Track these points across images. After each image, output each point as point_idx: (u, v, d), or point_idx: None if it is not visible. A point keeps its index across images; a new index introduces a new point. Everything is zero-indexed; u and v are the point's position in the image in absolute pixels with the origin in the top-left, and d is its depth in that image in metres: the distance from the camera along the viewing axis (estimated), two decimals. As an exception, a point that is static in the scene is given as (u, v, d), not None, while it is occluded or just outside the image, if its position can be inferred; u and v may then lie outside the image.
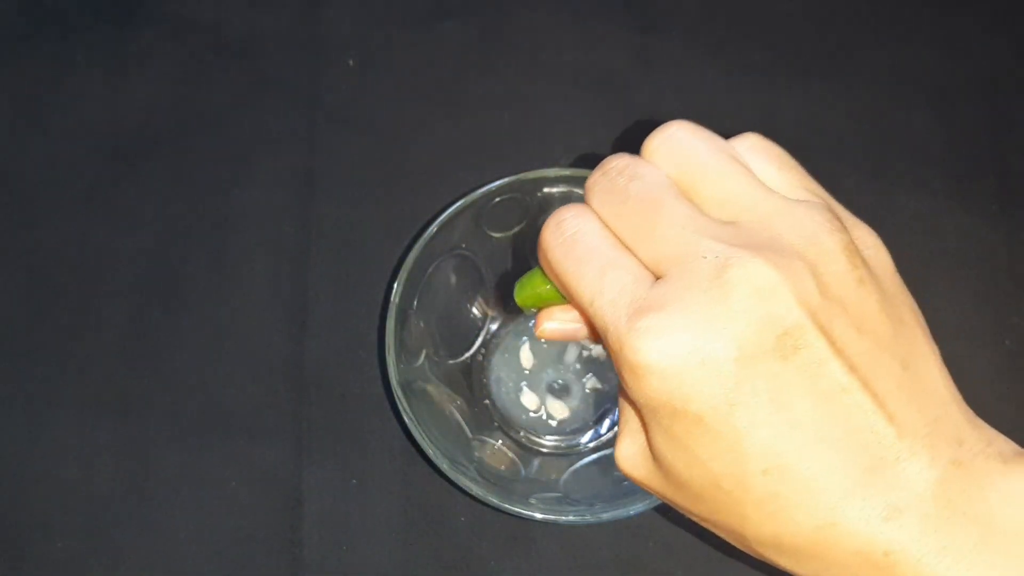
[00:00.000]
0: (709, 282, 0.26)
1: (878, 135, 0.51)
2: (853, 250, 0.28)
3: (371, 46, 0.53)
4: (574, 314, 0.31)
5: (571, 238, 0.30)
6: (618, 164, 0.30)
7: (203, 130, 0.51)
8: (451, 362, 0.44)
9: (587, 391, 0.45)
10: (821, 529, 0.26)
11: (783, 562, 0.28)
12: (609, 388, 0.45)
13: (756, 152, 0.30)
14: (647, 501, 0.38)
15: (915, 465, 0.26)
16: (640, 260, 0.28)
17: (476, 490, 0.39)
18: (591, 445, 0.43)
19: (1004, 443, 0.28)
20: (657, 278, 0.28)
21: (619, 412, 0.31)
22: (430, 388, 0.43)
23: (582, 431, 0.44)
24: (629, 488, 0.40)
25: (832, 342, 0.26)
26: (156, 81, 0.53)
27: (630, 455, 0.30)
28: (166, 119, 0.51)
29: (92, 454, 0.44)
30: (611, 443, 0.43)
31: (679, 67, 0.52)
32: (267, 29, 0.54)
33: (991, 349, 0.45)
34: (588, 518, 0.39)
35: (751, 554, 0.29)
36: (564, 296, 0.31)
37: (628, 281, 0.28)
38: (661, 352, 0.26)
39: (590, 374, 0.45)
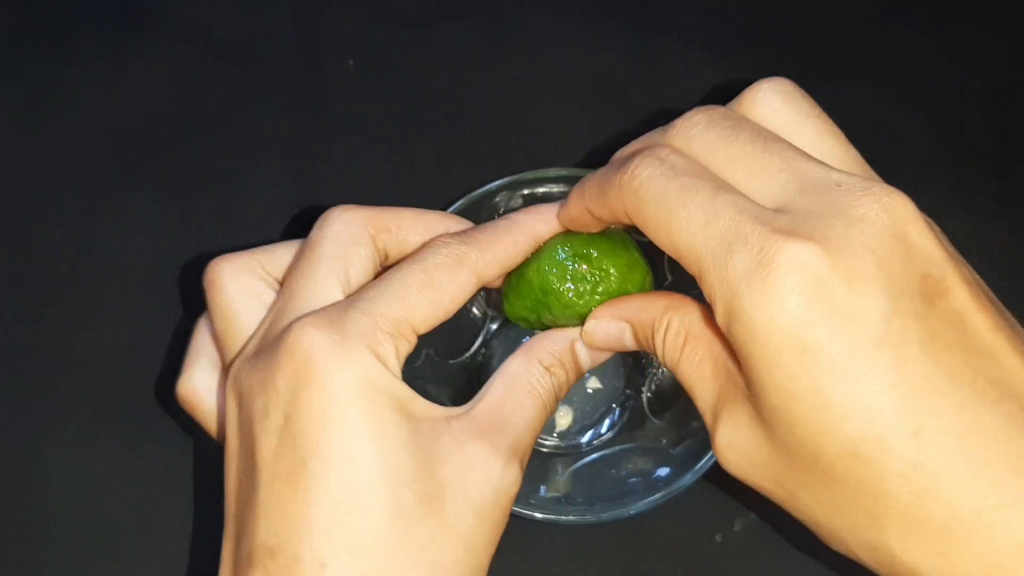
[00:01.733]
0: (848, 207, 0.23)
1: (878, 135, 0.51)
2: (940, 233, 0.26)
3: (371, 46, 0.53)
4: (623, 311, 0.30)
5: (673, 167, 0.26)
6: (722, 110, 0.28)
7: (203, 130, 0.51)
8: (451, 362, 0.44)
9: (588, 391, 0.45)
10: (982, 511, 0.22)
11: (920, 556, 0.23)
12: (609, 388, 0.45)
13: (794, 112, 0.28)
14: (647, 501, 0.38)
15: None
16: (764, 189, 0.25)
17: (476, 490, 0.39)
18: (591, 445, 0.43)
19: None
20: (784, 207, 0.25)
21: (702, 405, 0.27)
22: (430, 388, 0.42)
23: (582, 431, 0.44)
24: (629, 488, 0.40)
25: (973, 296, 0.23)
26: (156, 81, 0.53)
27: (735, 443, 0.25)
28: (166, 119, 0.52)
29: (92, 454, 0.43)
30: (611, 443, 0.43)
31: (679, 67, 0.52)
32: (267, 29, 0.54)
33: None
34: (588, 518, 0.38)
35: (881, 551, 0.24)
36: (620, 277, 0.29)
37: (746, 204, 0.24)
38: (799, 271, 0.23)
39: (591, 375, 0.45)
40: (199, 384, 0.32)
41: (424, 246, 0.31)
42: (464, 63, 0.53)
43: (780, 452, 0.24)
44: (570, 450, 0.43)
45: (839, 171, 0.25)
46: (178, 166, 0.50)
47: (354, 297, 0.28)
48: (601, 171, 0.28)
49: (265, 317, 0.30)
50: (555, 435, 0.44)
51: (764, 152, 0.25)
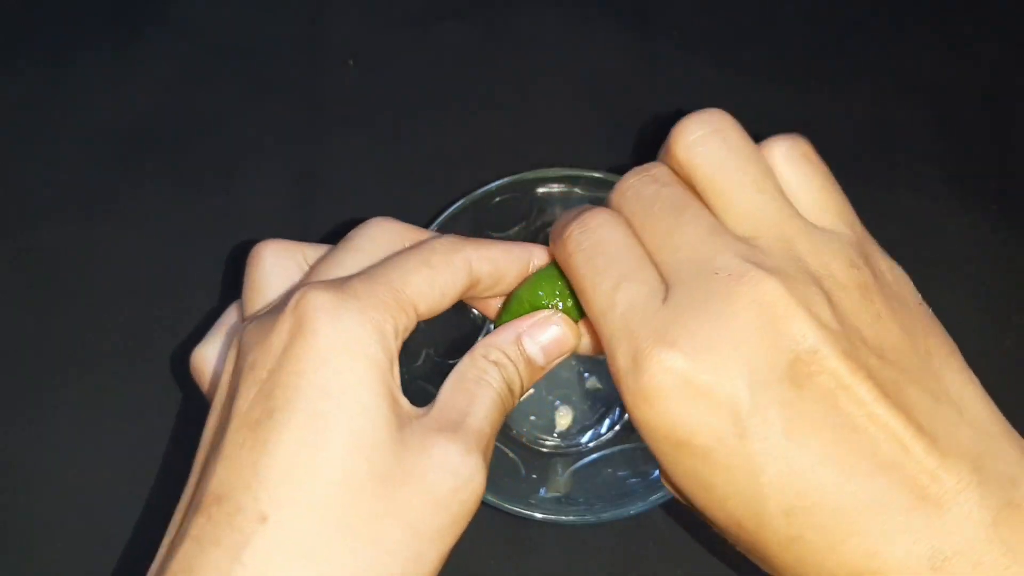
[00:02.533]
0: (720, 300, 0.25)
1: (878, 135, 0.51)
2: (869, 287, 0.26)
3: (371, 46, 0.53)
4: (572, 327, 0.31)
5: (594, 245, 0.28)
6: (652, 170, 0.29)
7: (203, 130, 0.51)
8: (451, 362, 0.44)
9: (587, 391, 0.45)
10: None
11: None
12: (609, 388, 0.45)
13: (796, 164, 0.28)
14: (647, 501, 0.38)
15: (963, 506, 0.23)
16: (659, 269, 0.27)
17: (476, 490, 0.39)
18: (591, 445, 0.43)
19: None
20: (671, 287, 0.26)
21: None
22: (430, 388, 0.42)
23: (582, 431, 0.44)
24: (629, 488, 0.40)
25: (855, 369, 0.24)
26: (156, 81, 0.53)
27: (668, 482, 0.28)
28: (166, 119, 0.52)
29: (92, 454, 0.43)
30: (611, 443, 0.43)
31: (679, 67, 0.52)
32: (267, 30, 0.54)
33: (991, 349, 0.45)
34: (588, 518, 0.38)
35: None
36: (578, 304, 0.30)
37: (641, 296, 0.26)
38: (664, 376, 0.24)
39: (590, 375, 0.45)
40: (210, 354, 0.32)
41: (423, 240, 0.32)
42: (464, 63, 0.53)
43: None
44: (570, 450, 0.43)
45: (725, 254, 0.26)
46: (178, 166, 0.50)
47: (360, 272, 0.29)
48: (559, 223, 0.30)
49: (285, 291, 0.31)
50: (555, 435, 0.44)
51: (668, 230, 0.27)
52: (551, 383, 0.45)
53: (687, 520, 0.41)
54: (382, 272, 0.29)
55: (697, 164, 0.28)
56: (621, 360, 0.26)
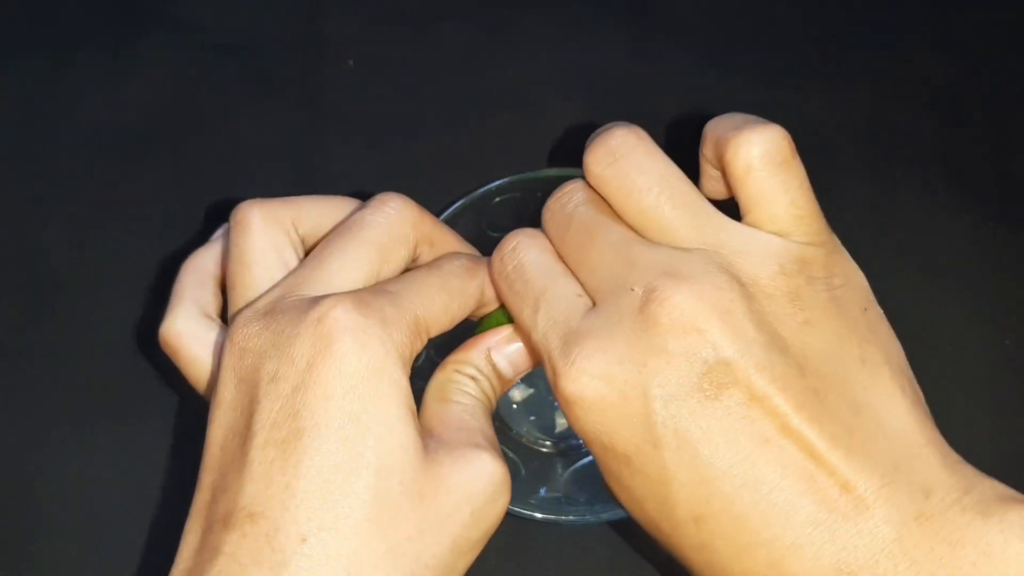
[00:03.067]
0: (633, 315, 0.25)
1: (878, 135, 0.51)
2: (800, 294, 0.26)
3: (371, 46, 0.53)
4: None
5: (512, 271, 0.30)
6: (569, 189, 0.30)
7: (203, 130, 0.51)
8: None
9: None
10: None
11: None
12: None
13: (774, 169, 0.28)
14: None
15: (869, 520, 0.23)
16: (583, 286, 0.28)
17: (476, 490, 0.38)
18: (591, 445, 0.43)
19: (989, 488, 0.24)
20: (595, 303, 0.27)
21: None
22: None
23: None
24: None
25: (769, 380, 0.24)
26: (156, 81, 0.53)
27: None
28: (166, 119, 0.52)
29: (92, 454, 0.43)
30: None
31: (679, 67, 0.52)
32: (267, 29, 0.54)
33: (991, 349, 0.45)
34: (588, 518, 0.38)
35: None
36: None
37: (561, 311, 0.27)
38: (585, 386, 0.26)
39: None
40: (183, 328, 0.32)
41: (440, 257, 0.32)
42: (464, 63, 0.53)
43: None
44: (570, 450, 0.43)
45: (638, 269, 0.26)
46: (178, 166, 0.50)
47: (378, 287, 0.29)
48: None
49: (286, 278, 0.30)
50: (555, 435, 0.44)
51: (583, 250, 0.28)
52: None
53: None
54: (405, 295, 0.29)
55: (609, 189, 0.29)
56: (548, 373, 0.27)
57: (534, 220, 0.44)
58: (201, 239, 0.48)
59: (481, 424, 0.30)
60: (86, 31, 0.54)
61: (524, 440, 0.44)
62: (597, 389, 0.25)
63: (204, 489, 0.28)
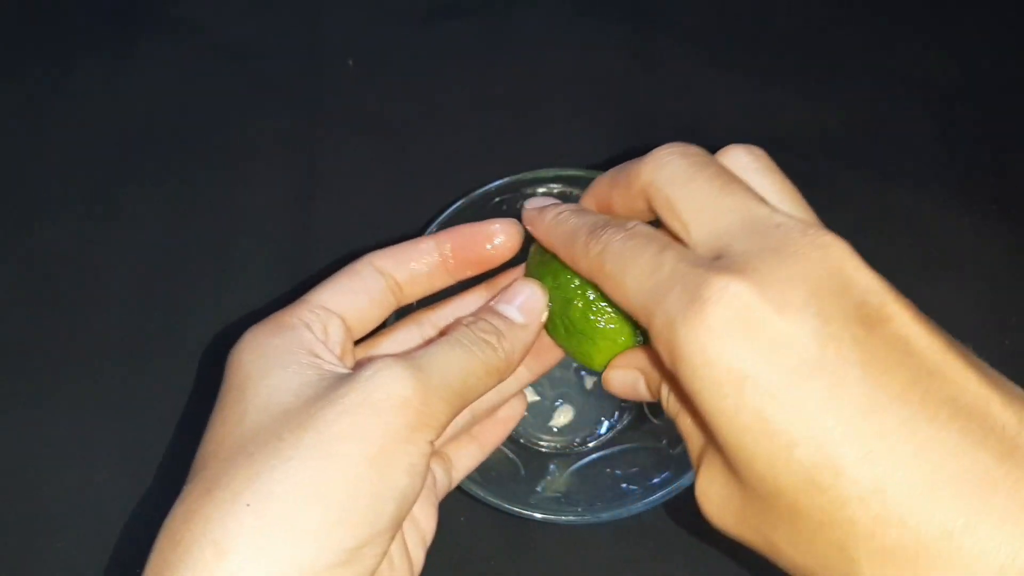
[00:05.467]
0: (786, 245, 0.24)
1: (878, 135, 0.51)
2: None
3: (371, 46, 0.53)
4: (636, 360, 0.30)
5: (629, 235, 0.27)
6: (693, 147, 0.28)
7: (203, 130, 0.51)
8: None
9: (588, 391, 0.45)
10: (949, 537, 0.21)
11: None
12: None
13: (762, 174, 0.28)
14: (647, 501, 0.38)
15: None
16: (694, 247, 0.26)
17: (476, 490, 0.39)
18: (591, 445, 0.43)
19: None
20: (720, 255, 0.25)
21: (692, 457, 0.27)
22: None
23: (581, 431, 0.44)
24: (629, 488, 0.40)
25: (918, 318, 0.23)
26: (157, 82, 0.53)
27: (710, 493, 0.26)
28: (166, 119, 0.52)
29: (92, 454, 0.44)
30: (611, 443, 0.43)
31: (679, 67, 0.52)
32: (267, 30, 0.54)
33: (991, 349, 0.45)
34: (588, 518, 0.38)
35: None
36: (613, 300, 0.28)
37: (688, 255, 0.25)
38: (729, 305, 0.23)
39: (590, 376, 0.45)
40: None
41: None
42: (464, 63, 0.53)
43: (749, 496, 0.24)
44: (570, 450, 0.43)
45: (784, 214, 0.25)
46: (178, 166, 0.50)
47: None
48: (574, 229, 0.30)
49: None
50: (554, 434, 0.44)
51: (719, 192, 0.26)
52: (551, 383, 0.45)
53: (687, 520, 0.41)
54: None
55: (742, 166, 0.28)
56: (674, 304, 0.24)
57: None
58: (202, 239, 0.48)
59: (434, 353, 0.29)
60: (87, 32, 0.54)
61: (523, 440, 0.44)
62: (747, 307, 0.23)
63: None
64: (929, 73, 0.52)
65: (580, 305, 0.31)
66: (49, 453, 0.44)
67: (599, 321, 0.31)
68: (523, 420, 0.44)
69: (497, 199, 0.43)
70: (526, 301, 0.32)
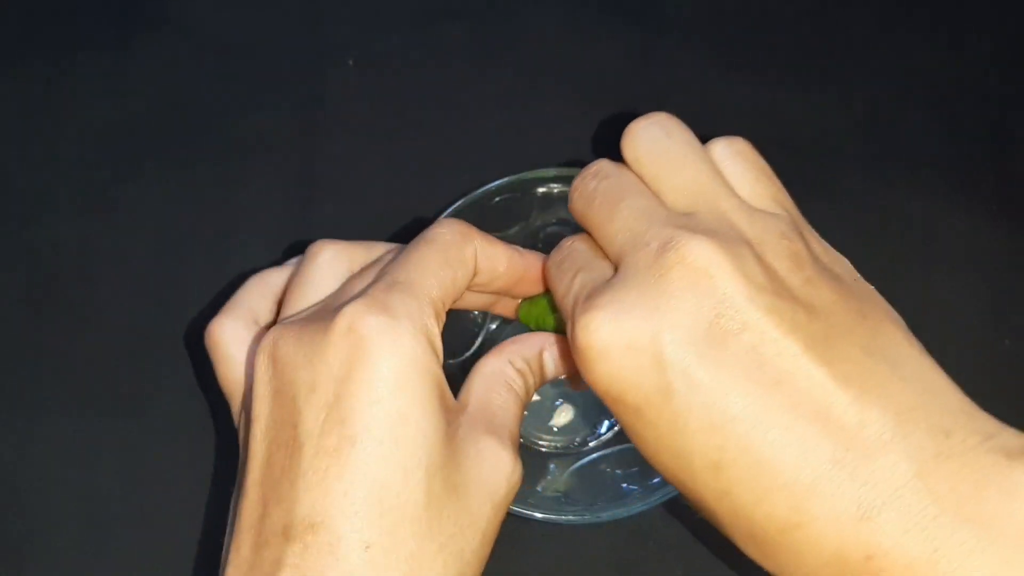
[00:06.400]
0: (647, 265, 0.26)
1: (878, 135, 0.51)
2: (802, 257, 0.27)
3: (371, 46, 0.53)
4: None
5: (565, 255, 0.31)
6: (593, 168, 0.31)
7: (203, 130, 0.51)
8: (451, 362, 0.44)
9: (587, 390, 0.45)
10: (787, 531, 0.24)
11: (765, 564, 0.25)
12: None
13: (734, 158, 0.30)
14: (647, 501, 0.38)
15: (887, 457, 0.23)
16: (612, 261, 0.29)
17: (476, 490, 0.39)
18: (591, 445, 0.43)
19: (1011, 437, 0.24)
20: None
21: None
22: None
23: (581, 431, 0.44)
24: (629, 488, 0.40)
25: (778, 323, 0.24)
26: (156, 81, 0.53)
27: None
28: (166, 119, 0.52)
29: (92, 454, 0.43)
30: (611, 443, 0.43)
31: (679, 67, 0.52)
32: (267, 29, 0.54)
33: (991, 349, 0.45)
34: (588, 518, 0.38)
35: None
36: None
37: (590, 278, 0.28)
38: (596, 336, 0.26)
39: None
40: (228, 328, 0.33)
41: (428, 230, 0.32)
42: (464, 63, 0.53)
43: None
44: (570, 450, 0.43)
45: (656, 226, 0.27)
46: (178, 166, 0.50)
47: (387, 280, 0.30)
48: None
49: (324, 298, 0.32)
50: (554, 433, 0.44)
51: (608, 219, 0.29)
52: (551, 383, 0.45)
53: (687, 520, 0.41)
54: (417, 282, 0.29)
55: (641, 154, 0.30)
56: (568, 331, 0.28)
57: (533, 220, 0.44)
58: (202, 240, 0.48)
59: (511, 420, 0.31)
60: (86, 31, 0.54)
61: (523, 440, 0.44)
62: (607, 337, 0.26)
63: (253, 503, 0.28)
64: (930, 72, 0.52)
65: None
66: (49, 453, 0.44)
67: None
68: (523, 420, 0.44)
69: (497, 199, 0.43)
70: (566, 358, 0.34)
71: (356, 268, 0.33)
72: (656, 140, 0.30)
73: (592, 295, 0.27)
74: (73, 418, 0.44)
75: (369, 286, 0.29)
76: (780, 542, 0.24)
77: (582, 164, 0.45)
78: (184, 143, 0.51)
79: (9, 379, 0.45)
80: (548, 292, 0.34)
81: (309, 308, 0.31)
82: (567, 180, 0.43)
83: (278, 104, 0.52)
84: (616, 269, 0.28)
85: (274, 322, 0.33)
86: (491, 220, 0.43)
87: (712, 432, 0.24)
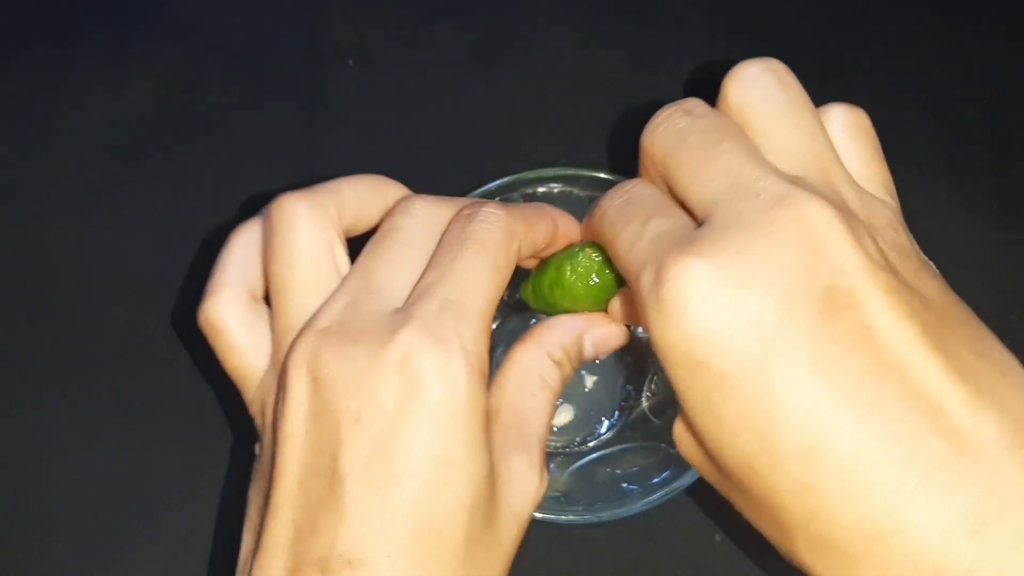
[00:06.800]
0: (758, 217, 0.23)
1: (878, 135, 0.51)
2: (907, 251, 0.25)
3: (371, 46, 0.53)
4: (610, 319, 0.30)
5: (626, 200, 0.27)
6: (686, 104, 0.27)
7: (203, 130, 0.51)
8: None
9: (588, 391, 0.45)
10: (878, 539, 0.21)
11: (828, 573, 0.22)
12: (609, 386, 0.44)
13: (853, 131, 0.27)
14: (647, 501, 0.38)
15: (1005, 468, 0.20)
16: (692, 209, 0.26)
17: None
18: (591, 445, 0.43)
19: None
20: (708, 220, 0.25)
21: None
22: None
23: (581, 431, 0.44)
24: (629, 488, 0.40)
25: (896, 304, 0.22)
26: (156, 81, 0.53)
27: (684, 439, 0.26)
28: (166, 119, 0.52)
29: (92, 454, 0.43)
30: (611, 443, 0.43)
31: (679, 67, 0.52)
32: (267, 30, 0.54)
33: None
34: (588, 518, 0.38)
35: (799, 566, 0.23)
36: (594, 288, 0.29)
37: (671, 225, 0.25)
38: (692, 288, 0.22)
39: (591, 374, 0.45)
40: (228, 312, 0.30)
41: (470, 217, 0.29)
42: (464, 63, 0.53)
43: (704, 452, 0.25)
44: (570, 450, 0.43)
45: (769, 177, 0.24)
46: (178, 166, 0.50)
47: (441, 298, 0.27)
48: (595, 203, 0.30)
49: (345, 284, 0.28)
50: (555, 430, 0.44)
51: (703, 161, 0.25)
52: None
53: (687, 520, 0.41)
54: (469, 301, 0.27)
55: (750, 102, 0.26)
56: (645, 281, 0.24)
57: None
58: (202, 240, 0.48)
59: (543, 426, 0.29)
60: (86, 31, 0.54)
61: (524, 440, 0.44)
62: (705, 290, 0.22)
63: (283, 524, 0.26)
64: (929, 73, 0.52)
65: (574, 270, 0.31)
66: (48, 453, 0.44)
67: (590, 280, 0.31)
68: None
69: (497, 199, 0.43)
70: (603, 341, 0.31)
71: (339, 224, 0.30)
72: (770, 90, 0.27)
73: (683, 241, 0.23)
74: (73, 419, 0.44)
75: (419, 301, 0.27)
76: (866, 552, 0.21)
77: (582, 164, 0.45)
78: (184, 143, 0.51)
79: (9, 380, 0.45)
80: (588, 246, 0.30)
81: (329, 302, 0.28)
82: (567, 180, 0.43)
83: (278, 104, 0.52)
84: (701, 222, 0.25)
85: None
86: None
87: (812, 414, 0.21)
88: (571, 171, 0.43)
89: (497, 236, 0.28)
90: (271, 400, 0.28)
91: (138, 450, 0.44)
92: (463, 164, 0.49)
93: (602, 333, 0.31)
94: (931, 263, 0.26)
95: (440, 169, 0.49)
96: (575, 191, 0.42)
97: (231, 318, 0.30)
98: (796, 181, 0.24)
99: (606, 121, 0.50)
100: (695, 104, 0.27)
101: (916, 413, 0.21)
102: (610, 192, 0.28)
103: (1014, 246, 0.48)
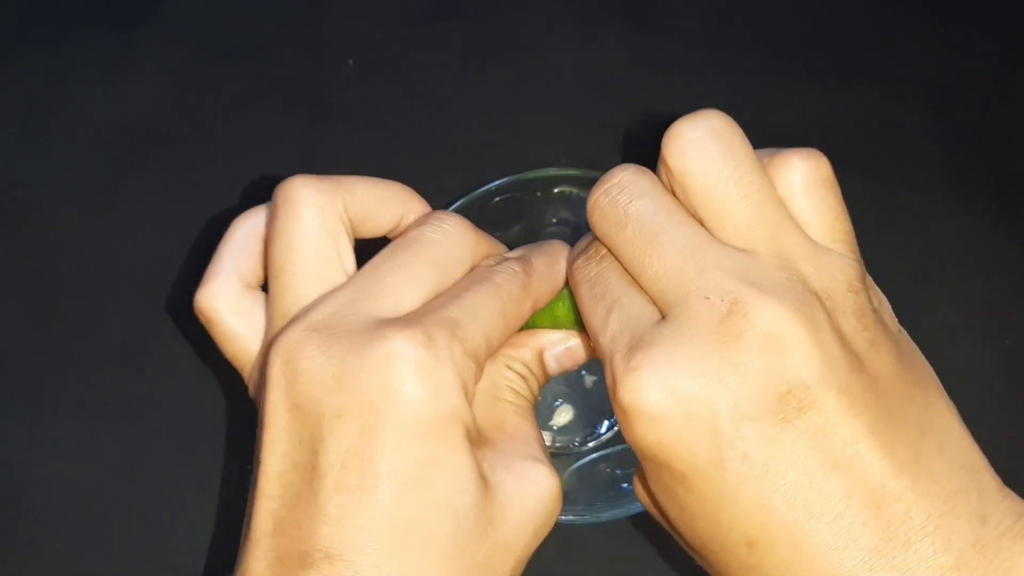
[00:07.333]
0: (711, 327, 0.24)
1: (878, 136, 0.51)
2: (865, 313, 0.25)
3: (371, 46, 0.53)
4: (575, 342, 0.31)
5: (596, 275, 0.28)
6: (617, 178, 0.27)
7: (203, 130, 0.51)
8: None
9: (588, 391, 0.45)
10: None
11: None
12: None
13: (817, 189, 0.27)
14: (647, 501, 0.38)
15: (928, 549, 0.23)
16: (650, 297, 0.26)
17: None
18: (590, 445, 0.43)
19: None
20: (664, 315, 0.25)
21: None
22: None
23: (581, 431, 0.44)
24: (629, 488, 0.40)
25: (848, 404, 0.23)
26: (156, 81, 0.53)
27: (639, 487, 0.29)
28: (166, 119, 0.52)
29: (92, 454, 0.43)
30: (611, 443, 0.43)
31: (679, 67, 0.52)
32: (267, 30, 0.54)
33: (991, 349, 0.45)
34: (588, 518, 0.38)
35: None
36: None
37: (631, 318, 0.26)
38: (648, 399, 0.24)
39: (590, 374, 0.45)
40: (221, 298, 0.30)
41: (493, 268, 0.30)
42: (464, 63, 0.53)
43: (662, 517, 0.28)
44: (569, 450, 0.43)
45: (713, 272, 0.24)
46: (178, 166, 0.50)
47: (440, 314, 0.27)
48: (573, 251, 0.30)
49: (341, 289, 0.28)
50: (554, 430, 0.44)
51: (643, 257, 0.26)
52: (551, 382, 0.45)
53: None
54: (468, 324, 0.27)
55: (691, 172, 0.26)
56: (608, 379, 0.26)
57: (533, 220, 0.44)
58: (202, 240, 0.48)
59: (532, 429, 0.29)
60: (86, 31, 0.54)
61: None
62: (660, 402, 0.24)
63: (263, 516, 0.26)
64: (929, 73, 0.52)
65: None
66: (49, 453, 0.44)
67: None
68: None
69: (497, 199, 0.43)
70: (566, 356, 0.32)
71: (346, 216, 0.30)
72: (712, 158, 0.25)
73: (638, 346, 0.24)
74: (73, 419, 0.44)
75: (419, 316, 0.27)
76: None
77: (582, 164, 0.45)
78: (184, 142, 0.51)
79: (9, 380, 0.45)
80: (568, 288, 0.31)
81: (324, 300, 0.28)
82: (567, 180, 0.43)
83: (278, 104, 0.52)
84: (661, 312, 0.25)
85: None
86: (491, 220, 0.43)
87: (758, 510, 0.23)
88: (571, 171, 0.43)
89: (515, 289, 0.29)
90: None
91: (138, 448, 0.44)
92: (463, 164, 0.49)
93: (562, 349, 0.31)
94: (887, 316, 0.27)
95: (440, 169, 0.49)
96: (575, 191, 0.42)
97: (223, 305, 0.30)
98: (745, 270, 0.24)
99: (606, 121, 0.50)
100: (628, 178, 0.27)
101: (857, 508, 0.23)
102: (579, 258, 0.29)
103: (1013, 246, 0.48)
